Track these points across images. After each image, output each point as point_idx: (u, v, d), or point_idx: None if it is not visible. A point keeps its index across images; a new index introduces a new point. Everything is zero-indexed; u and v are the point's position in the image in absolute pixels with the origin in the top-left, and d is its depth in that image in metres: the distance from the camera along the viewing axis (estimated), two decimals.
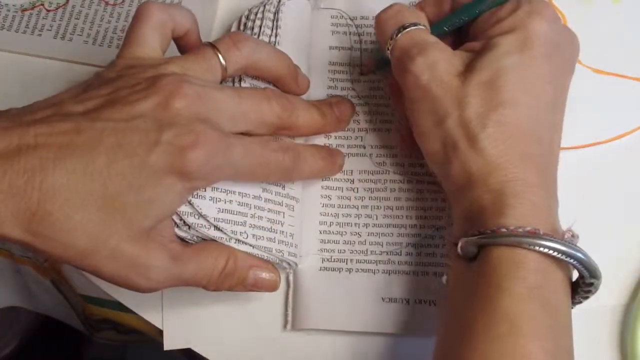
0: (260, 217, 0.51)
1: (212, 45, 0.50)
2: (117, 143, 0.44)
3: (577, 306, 0.52)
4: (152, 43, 0.50)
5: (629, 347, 0.51)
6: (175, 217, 0.49)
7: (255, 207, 0.51)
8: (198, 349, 0.54)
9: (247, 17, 0.58)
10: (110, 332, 0.72)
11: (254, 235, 0.51)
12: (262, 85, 0.54)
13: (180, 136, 0.45)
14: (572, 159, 0.57)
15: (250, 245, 0.50)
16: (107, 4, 0.64)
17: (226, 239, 0.50)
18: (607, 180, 0.56)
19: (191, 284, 0.48)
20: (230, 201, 0.50)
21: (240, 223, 0.50)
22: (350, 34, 0.61)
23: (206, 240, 0.50)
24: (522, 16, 0.49)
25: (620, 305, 0.53)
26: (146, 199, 0.45)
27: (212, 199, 0.50)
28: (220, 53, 0.50)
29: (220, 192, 0.50)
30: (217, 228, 0.49)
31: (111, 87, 0.47)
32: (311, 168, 0.53)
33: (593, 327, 0.53)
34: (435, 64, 0.48)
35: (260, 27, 0.56)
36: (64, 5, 0.65)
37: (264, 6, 0.57)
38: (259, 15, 0.57)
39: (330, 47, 0.60)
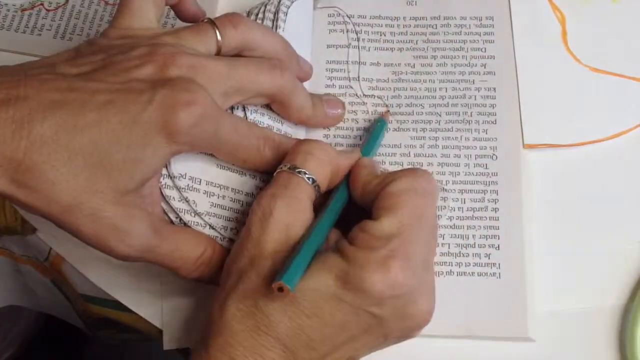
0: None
1: (211, 21, 0.51)
2: (110, 100, 0.44)
3: (577, 306, 0.52)
4: (146, 13, 0.50)
5: (628, 347, 0.51)
6: (172, 215, 0.49)
7: (247, 204, 0.51)
8: None
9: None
10: (109, 332, 0.72)
11: None
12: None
13: (175, 93, 0.45)
14: (571, 157, 0.57)
15: None
16: (106, 3, 0.65)
17: (220, 238, 0.50)
18: (606, 179, 0.56)
19: (166, 262, 0.48)
20: (224, 196, 0.50)
21: (231, 219, 0.51)
22: (347, 32, 0.61)
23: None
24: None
25: (619, 305, 0.53)
26: (133, 158, 0.44)
27: (206, 192, 0.50)
28: (218, 29, 0.50)
29: (215, 186, 0.50)
30: (211, 227, 0.50)
31: (105, 54, 0.47)
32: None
33: (592, 327, 0.53)
34: None
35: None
36: (63, 5, 0.65)
37: (265, 6, 0.57)
38: (260, 15, 0.57)
39: (328, 46, 0.60)
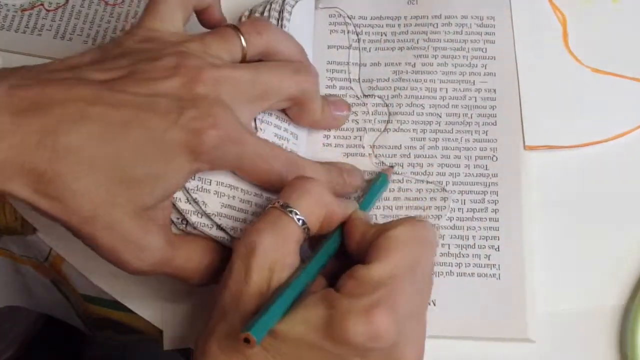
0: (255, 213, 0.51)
1: (235, 27, 0.51)
2: (136, 115, 0.44)
3: (576, 307, 0.52)
4: (173, 17, 0.50)
5: (629, 348, 0.51)
6: (174, 216, 0.49)
7: (256, 204, 0.51)
8: None
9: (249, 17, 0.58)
10: (110, 332, 0.72)
11: None
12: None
13: (199, 118, 0.45)
14: (571, 158, 0.57)
15: None
16: (106, 4, 0.65)
17: (227, 239, 0.50)
18: (606, 179, 0.56)
19: (177, 273, 0.48)
20: (233, 197, 0.50)
21: (240, 220, 0.50)
22: (348, 32, 0.61)
23: (195, 234, 0.50)
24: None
25: (620, 305, 0.53)
26: (155, 174, 0.45)
27: (216, 193, 0.50)
28: (242, 35, 0.50)
29: (225, 186, 0.50)
30: (219, 227, 0.49)
31: (131, 59, 0.47)
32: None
33: (593, 328, 0.53)
34: None
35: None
36: (63, 5, 0.65)
37: (270, 4, 0.57)
38: (265, 14, 0.57)
39: (329, 47, 0.60)
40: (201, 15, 0.54)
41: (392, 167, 0.56)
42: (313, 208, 0.47)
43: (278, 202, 0.46)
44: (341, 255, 0.48)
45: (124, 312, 0.57)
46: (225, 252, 0.50)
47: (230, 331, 0.43)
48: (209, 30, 0.53)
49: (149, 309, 0.55)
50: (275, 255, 0.44)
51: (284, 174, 0.50)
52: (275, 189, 0.51)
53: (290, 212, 0.46)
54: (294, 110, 0.53)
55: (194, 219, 0.49)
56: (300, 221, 0.46)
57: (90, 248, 0.46)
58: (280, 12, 0.56)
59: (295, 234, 0.46)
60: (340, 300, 0.42)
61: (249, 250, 0.44)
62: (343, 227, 0.48)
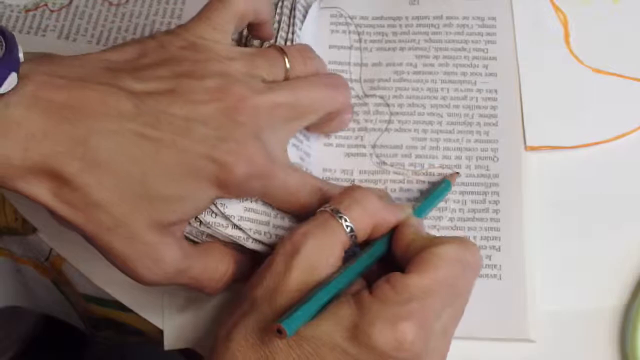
0: (283, 217, 0.51)
1: (282, 50, 0.51)
2: (172, 139, 0.44)
3: (577, 307, 0.52)
4: (225, 28, 0.50)
5: (629, 348, 0.51)
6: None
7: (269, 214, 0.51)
8: (198, 349, 0.54)
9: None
10: (110, 332, 0.72)
11: (276, 235, 0.51)
12: None
13: (231, 153, 0.45)
14: (572, 159, 0.57)
15: (268, 246, 0.50)
16: (110, 4, 0.64)
17: (244, 238, 0.50)
18: (607, 180, 0.56)
19: (192, 284, 0.48)
20: (256, 200, 0.50)
21: (264, 222, 0.50)
22: (349, 33, 0.61)
23: (209, 242, 0.50)
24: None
25: (620, 305, 0.53)
26: (179, 196, 0.45)
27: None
28: (289, 60, 0.51)
29: None
30: (235, 227, 0.49)
31: (173, 70, 0.46)
32: None
33: (593, 328, 0.52)
34: None
35: (278, 30, 0.56)
36: (67, 5, 0.65)
37: (282, 1, 0.57)
38: (276, 17, 0.57)
39: (330, 46, 0.60)
40: (253, 28, 0.53)
41: (457, 172, 0.56)
42: (362, 217, 0.47)
43: (328, 206, 0.47)
44: (387, 260, 0.48)
45: (124, 312, 0.57)
46: (240, 259, 0.50)
47: (260, 323, 0.43)
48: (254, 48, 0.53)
49: (149, 309, 0.55)
50: (318, 257, 0.45)
51: (309, 202, 0.50)
52: (300, 215, 0.52)
53: (340, 217, 0.46)
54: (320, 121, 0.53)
55: (208, 218, 0.49)
56: (349, 228, 0.46)
57: (105, 257, 0.46)
58: (292, 9, 0.57)
59: (341, 239, 0.46)
60: (371, 303, 0.42)
61: (294, 249, 0.45)
62: (393, 231, 0.48)
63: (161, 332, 0.54)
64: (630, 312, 0.52)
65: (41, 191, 0.42)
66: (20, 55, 0.42)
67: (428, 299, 0.43)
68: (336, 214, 0.46)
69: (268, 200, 0.50)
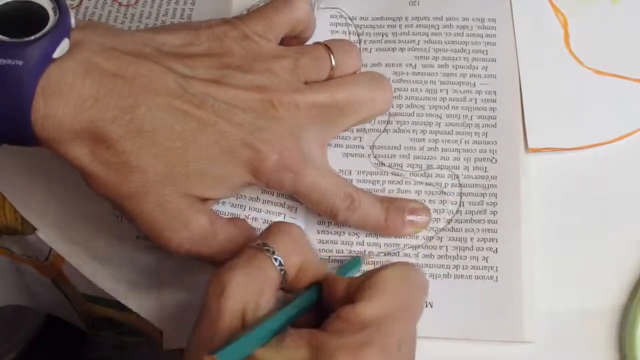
0: (255, 219, 0.52)
1: (327, 47, 0.52)
2: (213, 120, 0.46)
3: (576, 307, 0.52)
4: (280, 32, 0.52)
5: (628, 348, 0.51)
6: None
7: (250, 208, 0.52)
8: None
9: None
10: (110, 332, 0.72)
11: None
12: None
13: (267, 141, 0.47)
14: (572, 160, 0.56)
15: None
16: (120, 4, 0.65)
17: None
18: (607, 181, 0.56)
19: (216, 256, 0.49)
20: (223, 202, 0.51)
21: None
22: (349, 33, 0.61)
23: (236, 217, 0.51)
24: None
25: (619, 305, 0.53)
26: (214, 174, 0.47)
27: None
28: (334, 57, 0.52)
29: None
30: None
31: (222, 61, 0.49)
32: (363, 219, 0.53)
33: (592, 328, 0.52)
34: None
35: None
36: (77, 6, 0.65)
37: None
38: None
39: None
40: (297, 37, 0.55)
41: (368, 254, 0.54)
42: (291, 251, 0.45)
43: (254, 242, 0.45)
44: (317, 312, 0.46)
45: (124, 311, 0.57)
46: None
47: None
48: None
49: (148, 309, 0.55)
50: (247, 295, 0.42)
51: (337, 206, 0.51)
52: (327, 216, 0.53)
53: (267, 250, 0.44)
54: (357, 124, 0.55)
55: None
56: (277, 261, 0.44)
57: (132, 221, 0.47)
58: None
59: (271, 274, 0.43)
60: (327, 338, 0.40)
61: (220, 289, 0.42)
62: (322, 285, 0.46)
63: (161, 332, 0.55)
64: (629, 313, 0.52)
65: (82, 153, 0.44)
66: (73, 21, 0.44)
67: (385, 324, 0.41)
68: (263, 247, 0.44)
69: (300, 198, 0.52)
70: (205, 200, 0.48)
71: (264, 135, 0.47)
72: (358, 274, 0.51)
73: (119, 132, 0.44)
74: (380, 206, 0.53)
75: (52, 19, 0.43)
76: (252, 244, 0.44)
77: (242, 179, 0.48)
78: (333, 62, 0.52)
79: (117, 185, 0.45)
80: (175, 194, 0.46)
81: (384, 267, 0.44)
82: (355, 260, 0.53)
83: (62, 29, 0.43)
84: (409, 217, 0.53)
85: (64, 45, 0.42)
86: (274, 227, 0.46)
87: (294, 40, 0.55)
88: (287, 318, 0.43)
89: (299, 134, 0.49)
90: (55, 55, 0.42)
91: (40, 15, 0.43)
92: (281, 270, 0.44)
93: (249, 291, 0.42)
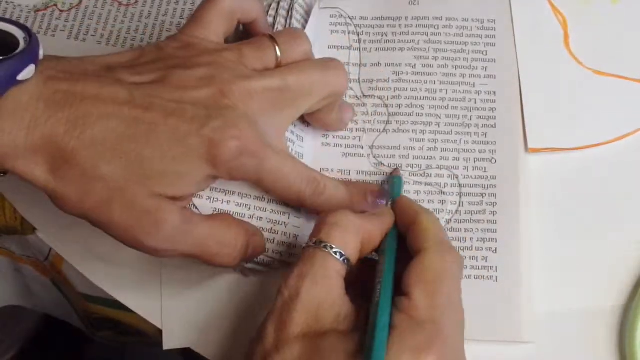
0: (260, 218, 0.52)
1: (271, 37, 0.52)
2: (164, 119, 0.46)
3: (576, 307, 0.52)
4: (216, 28, 0.52)
5: (628, 349, 0.51)
6: None
7: (255, 207, 0.51)
8: (198, 349, 0.54)
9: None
10: (110, 332, 0.72)
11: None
12: None
13: (221, 129, 0.46)
14: (571, 160, 0.57)
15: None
16: (120, 4, 0.65)
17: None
18: (607, 181, 0.56)
19: (199, 253, 0.48)
20: (228, 202, 0.51)
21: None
22: (349, 33, 0.61)
23: (218, 213, 0.51)
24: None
25: (619, 306, 0.53)
26: (175, 172, 0.46)
27: (209, 198, 0.51)
28: (278, 45, 0.51)
29: (219, 192, 0.51)
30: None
31: (165, 64, 0.49)
32: (329, 202, 0.52)
33: (592, 328, 0.52)
34: None
35: (274, 24, 0.56)
36: (77, 5, 0.65)
37: (278, 3, 0.57)
38: (271, 12, 0.57)
39: (329, 47, 0.60)
40: (247, 27, 0.55)
41: (397, 168, 0.56)
42: (347, 238, 0.46)
43: (311, 241, 0.46)
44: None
45: (124, 311, 0.57)
46: (253, 230, 0.51)
47: None
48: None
49: (148, 308, 0.55)
50: (319, 295, 0.44)
51: (303, 191, 0.51)
52: (295, 205, 0.52)
53: (325, 247, 0.45)
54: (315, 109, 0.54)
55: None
56: (338, 254, 0.45)
57: (106, 231, 0.47)
58: (289, 10, 0.57)
59: (335, 268, 0.45)
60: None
61: (292, 295, 0.44)
62: (386, 240, 0.48)
63: (161, 332, 0.55)
64: (629, 313, 0.52)
65: (39, 170, 0.45)
66: (41, 52, 0.45)
67: (439, 323, 0.43)
68: (320, 244, 0.45)
69: (263, 186, 0.51)
70: (175, 198, 0.47)
71: (216, 124, 0.46)
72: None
73: (73, 144, 0.44)
74: (344, 188, 0.53)
75: (22, 45, 0.45)
76: (309, 244, 0.46)
77: (202, 172, 0.47)
78: (278, 52, 0.51)
79: (81, 200, 0.45)
80: (139, 196, 0.46)
81: (428, 252, 0.45)
82: (397, 179, 0.54)
83: (30, 56, 0.44)
84: (370, 199, 0.53)
85: (29, 71, 0.44)
86: (322, 221, 0.47)
87: (252, 28, 0.55)
88: (389, 299, 0.44)
89: (254, 119, 0.48)
90: (20, 77, 0.44)
91: (14, 43, 0.45)
92: (344, 260, 0.45)
93: (319, 293, 0.44)
